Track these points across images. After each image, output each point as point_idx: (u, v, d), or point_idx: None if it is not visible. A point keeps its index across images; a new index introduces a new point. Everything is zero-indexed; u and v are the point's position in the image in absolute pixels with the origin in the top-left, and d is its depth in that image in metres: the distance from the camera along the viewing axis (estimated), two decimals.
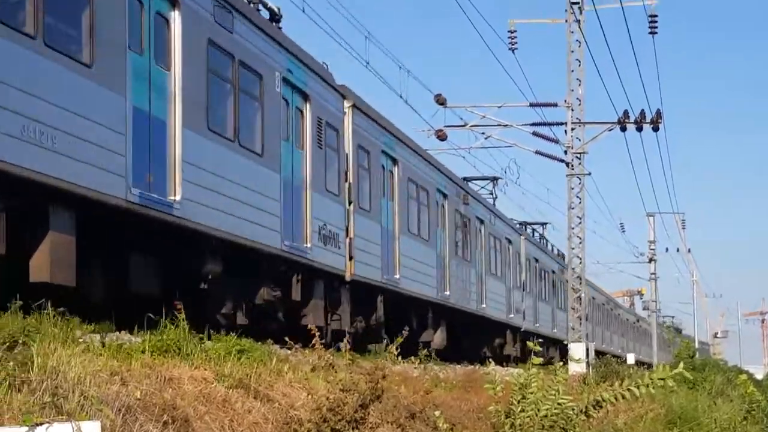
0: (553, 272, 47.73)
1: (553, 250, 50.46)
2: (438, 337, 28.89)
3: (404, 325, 22.92)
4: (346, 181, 21.75)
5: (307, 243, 19.43)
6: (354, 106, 22.24)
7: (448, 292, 29.69)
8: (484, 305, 34.18)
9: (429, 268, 27.87)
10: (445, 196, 30.08)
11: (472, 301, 32.74)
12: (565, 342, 36.09)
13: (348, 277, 21.52)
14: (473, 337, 34.07)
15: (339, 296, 21.39)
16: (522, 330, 39.77)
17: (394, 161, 25.33)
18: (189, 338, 11.41)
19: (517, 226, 42.96)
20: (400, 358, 11.97)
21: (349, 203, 21.81)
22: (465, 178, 36.53)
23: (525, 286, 41.71)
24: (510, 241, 39.10)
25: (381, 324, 24.10)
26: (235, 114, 16.84)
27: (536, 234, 50.43)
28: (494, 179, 42.97)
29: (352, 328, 21.63)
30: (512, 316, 38.33)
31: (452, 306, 30.02)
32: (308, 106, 19.74)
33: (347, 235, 21.57)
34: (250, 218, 16.99)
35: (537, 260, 44.71)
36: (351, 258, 21.65)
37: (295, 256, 18.83)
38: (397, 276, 24.94)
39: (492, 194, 42.62)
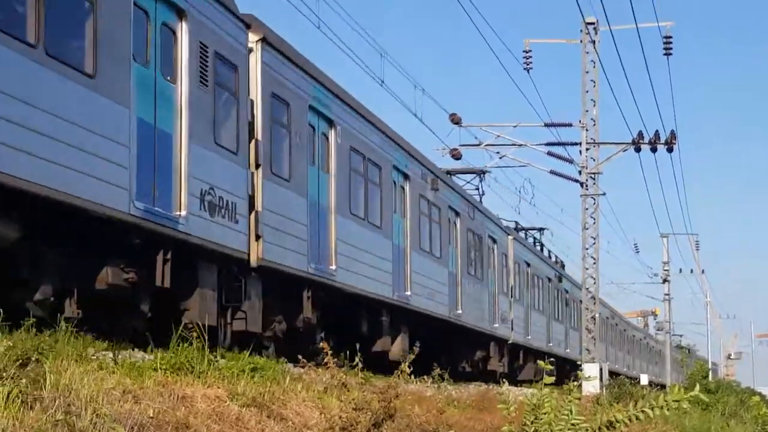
0: (549, 280, 44.37)
1: (550, 256, 47.35)
2: (397, 346, 24.11)
3: (351, 329, 19.50)
4: (252, 137, 17.08)
5: (180, 210, 14.73)
6: (264, 40, 17.46)
7: (408, 292, 24.68)
8: (459, 311, 29.13)
9: (383, 262, 22.96)
10: (404, 175, 24.86)
11: (441, 305, 27.38)
12: (578, 362, 36.00)
13: (254, 262, 16.91)
14: (447, 349, 28.98)
15: (242, 287, 16.70)
16: (509, 342, 35.92)
17: (330, 122, 20.22)
18: (202, 356, 11.39)
19: (505, 225, 38.16)
20: (413, 376, 11.94)
21: (256, 166, 17.11)
22: (448, 172, 32.89)
23: (513, 293, 36.98)
24: (494, 240, 34.16)
25: (312, 326, 19.45)
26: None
27: (533, 240, 47.19)
28: (481, 173, 38.95)
29: (269, 331, 17.91)
30: (497, 325, 34.01)
31: (415, 309, 25.08)
32: (183, 25, 15.09)
33: (253, 208, 16.97)
34: (78, 166, 12.54)
35: (529, 264, 40.14)
36: (258, 237, 16.95)
37: (156, 226, 14.12)
38: (333, 267, 19.96)
39: (478, 189, 38.38)
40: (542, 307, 42.26)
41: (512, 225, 41.11)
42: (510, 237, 37.20)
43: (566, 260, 53.97)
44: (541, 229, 49.44)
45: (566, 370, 41.40)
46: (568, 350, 46.25)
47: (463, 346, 31.07)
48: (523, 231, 45.18)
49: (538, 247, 46.12)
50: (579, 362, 35.95)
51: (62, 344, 9.70)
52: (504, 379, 12.51)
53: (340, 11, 43.53)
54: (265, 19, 17.79)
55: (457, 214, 29.66)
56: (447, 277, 28.24)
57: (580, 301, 40.65)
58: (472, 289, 30.90)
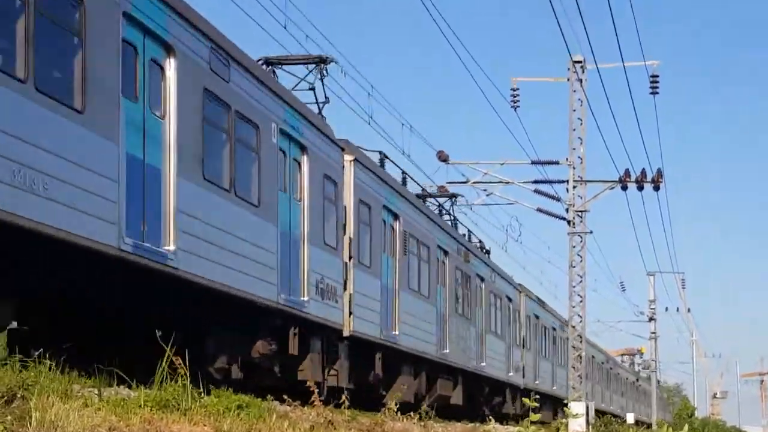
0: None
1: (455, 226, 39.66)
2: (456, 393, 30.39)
3: (401, 381, 24.18)
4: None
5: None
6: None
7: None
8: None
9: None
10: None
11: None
12: (565, 401, 35.92)
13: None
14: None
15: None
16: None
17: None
18: (188, 393, 11.32)
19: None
20: (399, 414, 11.87)
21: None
22: (418, 195, 31.94)
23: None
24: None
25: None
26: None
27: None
28: (453, 196, 36.72)
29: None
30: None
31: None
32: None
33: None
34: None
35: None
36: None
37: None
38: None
39: (450, 215, 36.13)
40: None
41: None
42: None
43: (553, 299, 53.85)
44: (453, 196, 38.40)
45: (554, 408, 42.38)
46: (555, 387, 46.61)
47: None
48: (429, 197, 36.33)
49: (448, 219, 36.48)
50: (565, 400, 35.86)
51: (47, 380, 9.64)
52: (490, 417, 12.45)
53: (327, 47, 43.74)
54: (253, 52, 17.93)
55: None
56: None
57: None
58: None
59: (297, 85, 21.36)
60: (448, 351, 29.20)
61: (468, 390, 32.28)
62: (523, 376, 40.00)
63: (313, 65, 22.14)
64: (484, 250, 36.95)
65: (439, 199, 35.48)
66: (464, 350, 31.30)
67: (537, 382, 42.67)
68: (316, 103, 21.85)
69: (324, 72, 22.26)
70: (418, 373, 27.13)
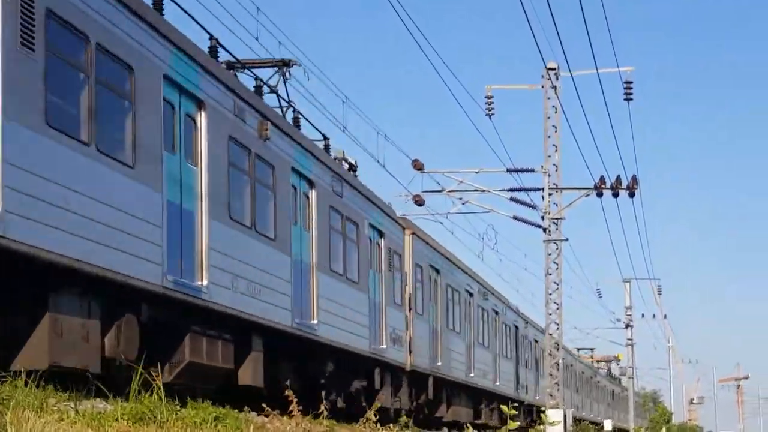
0: (536, 341, 47.36)
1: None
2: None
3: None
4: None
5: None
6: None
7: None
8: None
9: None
10: (471, 294, 35.73)
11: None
12: (543, 408, 35.94)
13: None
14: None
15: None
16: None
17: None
18: (164, 406, 11.25)
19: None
20: (378, 425, 11.83)
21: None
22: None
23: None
24: (496, 312, 40.69)
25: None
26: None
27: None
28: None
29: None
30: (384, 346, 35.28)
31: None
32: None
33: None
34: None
35: (518, 328, 44.70)
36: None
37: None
38: (440, 363, 31.00)
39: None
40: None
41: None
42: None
43: (531, 307, 54.11)
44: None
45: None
46: (537, 397, 46.66)
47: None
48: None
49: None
50: (543, 408, 35.90)
51: (22, 395, 9.56)
52: (468, 425, 12.42)
53: (301, 57, 43.58)
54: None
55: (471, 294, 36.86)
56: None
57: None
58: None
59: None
60: (473, 375, 35.41)
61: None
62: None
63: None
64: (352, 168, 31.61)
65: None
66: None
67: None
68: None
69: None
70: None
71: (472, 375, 35.02)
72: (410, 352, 27.67)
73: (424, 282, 29.82)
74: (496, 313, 39.99)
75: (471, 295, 35.68)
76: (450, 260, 33.33)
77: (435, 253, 31.37)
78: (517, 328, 44.10)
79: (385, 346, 25.20)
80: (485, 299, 37.84)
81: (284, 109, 21.75)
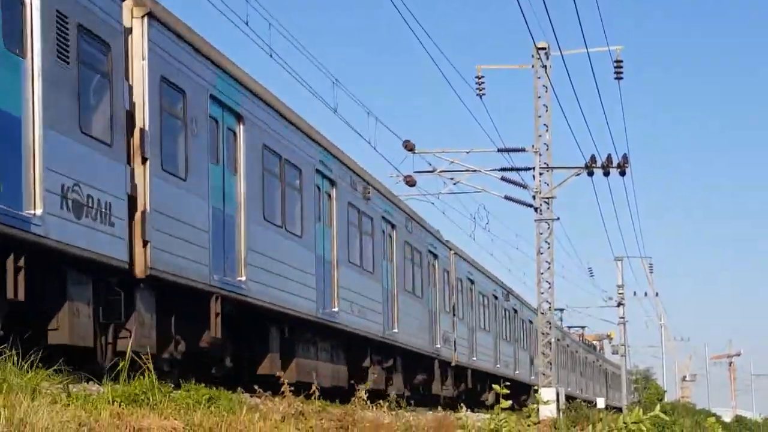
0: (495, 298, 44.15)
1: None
2: None
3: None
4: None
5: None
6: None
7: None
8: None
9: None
10: (496, 298, 44.13)
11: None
12: (535, 387, 36.02)
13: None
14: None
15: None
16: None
17: (472, 282, 39.42)
18: (156, 388, 11.28)
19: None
20: (369, 403, 11.89)
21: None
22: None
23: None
24: (515, 311, 47.65)
25: None
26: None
27: None
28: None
29: None
30: (438, 346, 33.52)
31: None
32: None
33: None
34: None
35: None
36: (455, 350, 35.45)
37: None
38: (475, 357, 37.94)
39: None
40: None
41: None
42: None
43: (523, 286, 54.25)
44: None
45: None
46: (533, 377, 46.54)
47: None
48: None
49: None
50: (535, 387, 35.97)
51: (15, 378, 9.58)
52: (462, 404, 12.48)
53: (292, 39, 43.45)
54: (217, 46, 18.13)
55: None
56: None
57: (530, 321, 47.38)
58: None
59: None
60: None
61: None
62: (455, 350, 35.80)
63: None
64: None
65: None
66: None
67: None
68: None
69: None
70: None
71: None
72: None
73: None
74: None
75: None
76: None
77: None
78: (531, 322, 48.80)
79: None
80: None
81: None
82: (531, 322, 48.68)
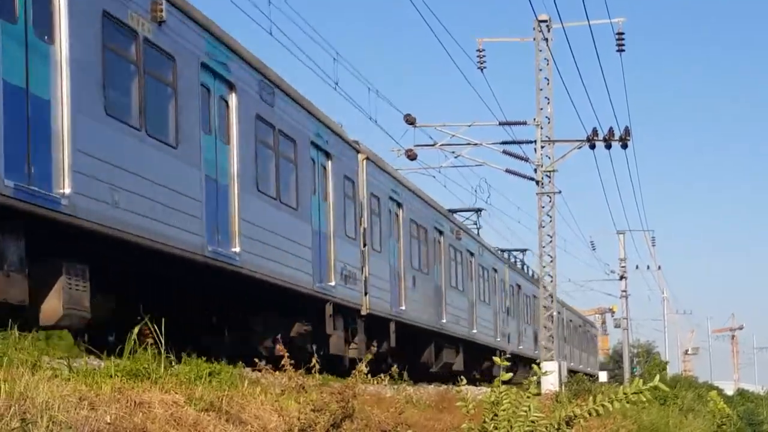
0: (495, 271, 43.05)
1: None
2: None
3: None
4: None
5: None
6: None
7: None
8: (444, 320, 32.49)
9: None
10: (441, 233, 32.73)
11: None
12: (538, 361, 36.12)
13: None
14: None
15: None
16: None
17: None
18: (159, 362, 11.31)
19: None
20: (369, 376, 11.92)
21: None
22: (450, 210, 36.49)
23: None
24: (471, 254, 37.60)
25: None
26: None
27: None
28: (478, 210, 42.34)
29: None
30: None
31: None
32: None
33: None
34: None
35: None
36: (366, 293, 24.84)
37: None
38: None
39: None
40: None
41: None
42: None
43: (524, 260, 53.75)
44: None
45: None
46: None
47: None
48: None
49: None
50: (537, 361, 36.06)
51: (15, 352, 9.61)
52: (462, 378, 12.52)
53: (292, 15, 43.53)
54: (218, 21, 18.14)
55: (472, 254, 36.87)
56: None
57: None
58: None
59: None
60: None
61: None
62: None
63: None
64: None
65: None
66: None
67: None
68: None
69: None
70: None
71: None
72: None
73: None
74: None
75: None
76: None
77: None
78: (495, 270, 41.80)
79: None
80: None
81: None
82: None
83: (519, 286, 47.01)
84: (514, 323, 45.31)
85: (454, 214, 37.25)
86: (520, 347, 45.46)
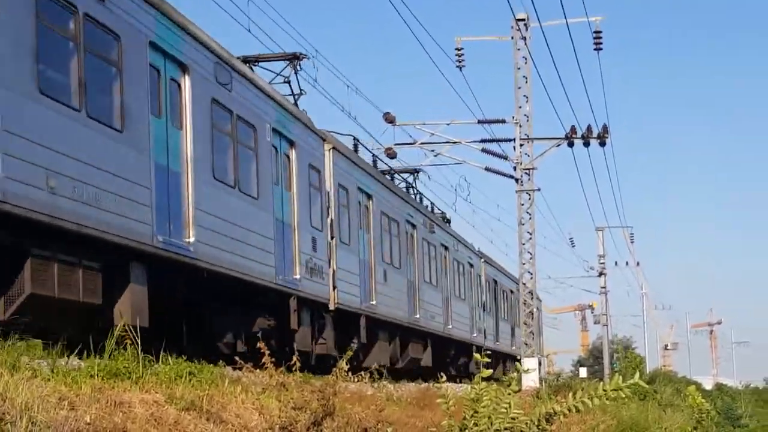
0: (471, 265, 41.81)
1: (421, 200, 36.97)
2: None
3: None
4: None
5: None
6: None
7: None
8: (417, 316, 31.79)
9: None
10: (413, 226, 32.02)
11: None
12: (519, 358, 36.19)
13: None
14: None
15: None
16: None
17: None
18: (139, 362, 11.30)
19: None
20: (350, 374, 11.92)
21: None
22: (384, 172, 33.66)
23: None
24: (446, 248, 36.89)
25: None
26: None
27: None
28: (415, 171, 37.26)
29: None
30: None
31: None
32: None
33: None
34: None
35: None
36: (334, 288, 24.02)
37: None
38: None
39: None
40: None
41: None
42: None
43: (504, 257, 54.02)
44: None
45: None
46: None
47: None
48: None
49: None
50: (518, 357, 36.14)
51: None
52: (442, 374, 12.54)
53: (270, 11, 43.43)
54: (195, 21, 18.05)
55: (446, 248, 36.28)
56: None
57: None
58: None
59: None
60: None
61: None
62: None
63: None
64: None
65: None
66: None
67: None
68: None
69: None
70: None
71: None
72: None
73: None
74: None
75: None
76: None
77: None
78: (471, 265, 41.20)
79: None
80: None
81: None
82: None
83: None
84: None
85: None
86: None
